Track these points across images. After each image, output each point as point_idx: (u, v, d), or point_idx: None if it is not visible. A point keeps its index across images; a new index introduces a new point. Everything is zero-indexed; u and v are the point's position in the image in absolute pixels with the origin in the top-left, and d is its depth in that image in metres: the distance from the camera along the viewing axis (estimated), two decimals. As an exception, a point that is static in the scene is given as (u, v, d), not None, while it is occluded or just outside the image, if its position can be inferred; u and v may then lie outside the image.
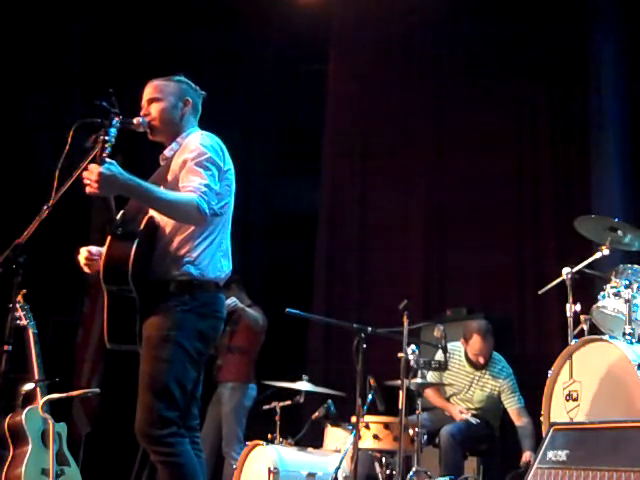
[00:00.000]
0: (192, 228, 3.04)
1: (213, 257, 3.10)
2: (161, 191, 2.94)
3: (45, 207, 2.93)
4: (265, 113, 7.77)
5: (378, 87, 7.14)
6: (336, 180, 7.33)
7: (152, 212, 3.06)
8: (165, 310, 2.98)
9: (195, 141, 3.09)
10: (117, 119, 2.91)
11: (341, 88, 7.36)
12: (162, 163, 3.23)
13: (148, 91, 3.25)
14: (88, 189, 2.79)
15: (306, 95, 7.68)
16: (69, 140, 2.94)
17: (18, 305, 4.14)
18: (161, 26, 7.40)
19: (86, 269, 3.16)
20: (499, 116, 6.51)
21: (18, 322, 4.12)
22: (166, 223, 3.06)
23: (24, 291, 4.05)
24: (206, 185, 2.96)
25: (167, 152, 3.22)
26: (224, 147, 3.16)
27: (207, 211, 2.92)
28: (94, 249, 3.15)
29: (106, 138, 2.85)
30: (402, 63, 7.09)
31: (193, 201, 2.90)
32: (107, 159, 2.80)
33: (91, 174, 2.77)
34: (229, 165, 3.17)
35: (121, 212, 3.06)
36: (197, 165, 3.00)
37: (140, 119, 3.15)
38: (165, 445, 2.89)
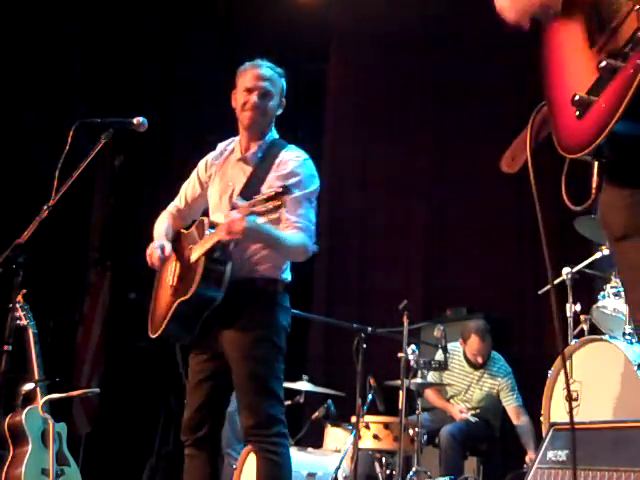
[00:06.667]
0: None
1: None
2: (284, 237, 2.96)
3: (45, 207, 2.93)
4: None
5: (378, 87, 7.13)
6: (336, 180, 7.32)
7: None
8: (253, 308, 2.99)
9: (301, 168, 3.15)
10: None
11: (341, 88, 7.36)
12: (236, 161, 3.19)
13: (262, 77, 3.19)
14: (228, 237, 2.80)
15: (306, 95, 7.66)
16: (69, 140, 2.94)
17: (18, 305, 4.12)
18: (160, 27, 7.39)
19: (155, 263, 3.12)
20: (499, 112, 6.48)
21: (18, 322, 4.10)
22: None
23: (24, 291, 4.04)
24: (313, 223, 3.06)
25: (250, 155, 3.18)
26: None
27: (312, 251, 3.03)
28: (169, 247, 3.12)
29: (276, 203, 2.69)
30: (402, 62, 7.08)
31: (305, 246, 3.00)
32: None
33: (235, 224, 2.76)
34: None
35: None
36: (306, 199, 3.08)
37: (140, 119, 3.11)
38: (271, 444, 2.93)
